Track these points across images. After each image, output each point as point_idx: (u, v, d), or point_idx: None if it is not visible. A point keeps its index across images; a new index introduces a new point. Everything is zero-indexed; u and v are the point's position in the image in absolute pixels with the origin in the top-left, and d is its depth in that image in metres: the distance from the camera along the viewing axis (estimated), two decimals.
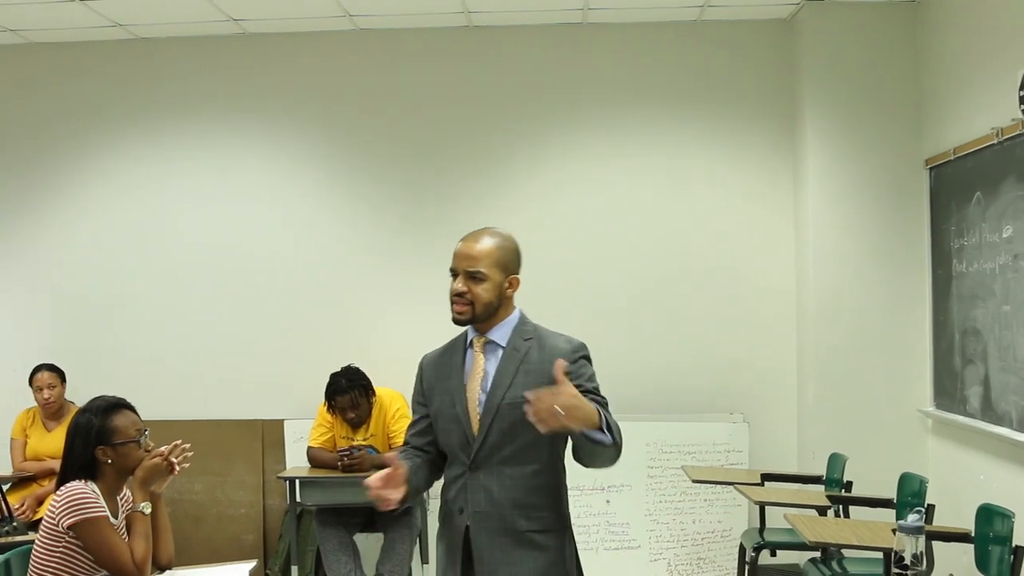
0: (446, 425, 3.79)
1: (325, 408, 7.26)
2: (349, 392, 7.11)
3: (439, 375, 3.87)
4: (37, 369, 7.55)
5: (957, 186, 6.67)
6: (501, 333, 3.76)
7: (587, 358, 3.70)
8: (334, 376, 7.21)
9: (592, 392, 3.59)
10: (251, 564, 4.54)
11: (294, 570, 7.30)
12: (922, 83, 7.30)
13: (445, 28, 8.01)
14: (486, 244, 3.73)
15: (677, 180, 7.96)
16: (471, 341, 3.82)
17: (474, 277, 3.69)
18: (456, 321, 3.77)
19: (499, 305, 3.73)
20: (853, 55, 7.42)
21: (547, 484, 3.70)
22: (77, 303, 8.22)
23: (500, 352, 3.74)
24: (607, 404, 3.58)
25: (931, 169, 7.10)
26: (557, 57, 8.02)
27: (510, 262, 3.75)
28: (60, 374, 7.56)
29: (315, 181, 8.18)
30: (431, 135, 8.09)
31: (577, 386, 3.45)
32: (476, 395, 3.72)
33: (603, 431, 3.42)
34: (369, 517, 7.22)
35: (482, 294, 3.69)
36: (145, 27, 7.92)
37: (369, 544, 7.43)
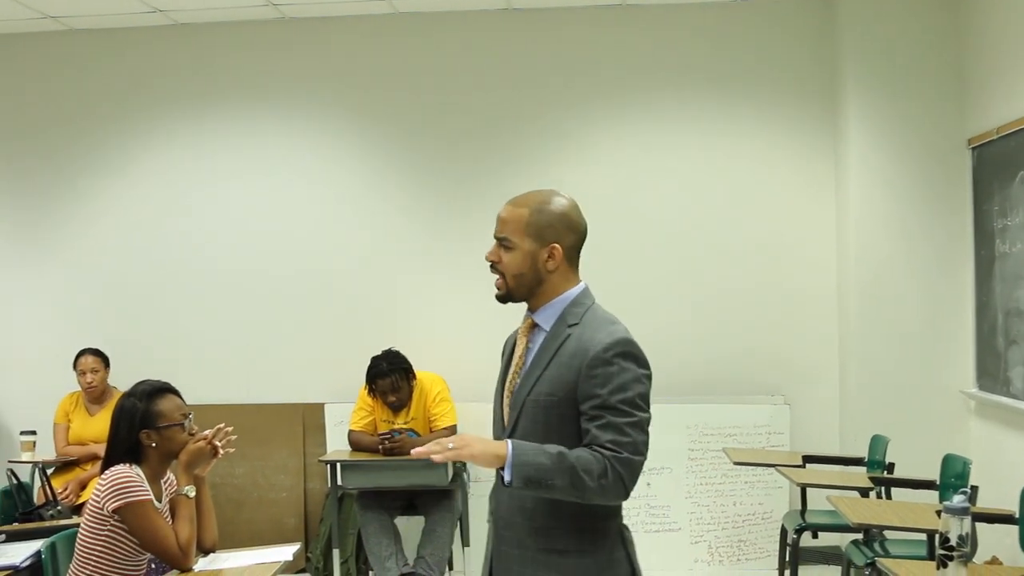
0: (493, 415, 3.41)
1: (366, 392, 7.27)
2: (390, 375, 7.13)
3: (504, 356, 3.44)
4: (81, 353, 7.59)
5: (1000, 166, 6.61)
6: (547, 315, 3.27)
7: (625, 357, 3.12)
8: (375, 359, 7.23)
9: (608, 409, 3.07)
10: (293, 547, 4.55)
11: (335, 553, 7.33)
12: (965, 61, 7.23)
13: (484, 11, 7.99)
14: (519, 207, 3.30)
15: (718, 161, 7.93)
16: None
17: (503, 244, 3.28)
18: (496, 297, 3.35)
19: (537, 280, 3.25)
20: (895, 33, 7.36)
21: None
22: (120, 288, 8.27)
23: (542, 337, 3.28)
24: (631, 425, 3.07)
25: (974, 148, 7.04)
26: (596, 39, 8.00)
27: (548, 229, 3.24)
28: (104, 359, 7.60)
29: (357, 164, 8.20)
30: (471, 119, 8.09)
31: (593, 396, 3.08)
32: (513, 385, 3.30)
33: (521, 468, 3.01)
34: (410, 500, 7.25)
35: (509, 265, 3.26)
36: (185, 12, 7.94)
37: (410, 527, 7.44)
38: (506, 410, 3.31)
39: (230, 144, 8.26)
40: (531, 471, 3.01)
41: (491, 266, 3.31)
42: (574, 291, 3.29)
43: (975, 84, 7.07)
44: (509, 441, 3.05)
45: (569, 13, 7.96)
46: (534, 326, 3.32)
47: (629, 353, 3.13)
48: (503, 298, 3.33)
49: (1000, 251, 6.61)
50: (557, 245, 3.24)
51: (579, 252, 3.34)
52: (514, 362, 3.33)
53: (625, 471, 3.04)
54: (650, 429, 3.13)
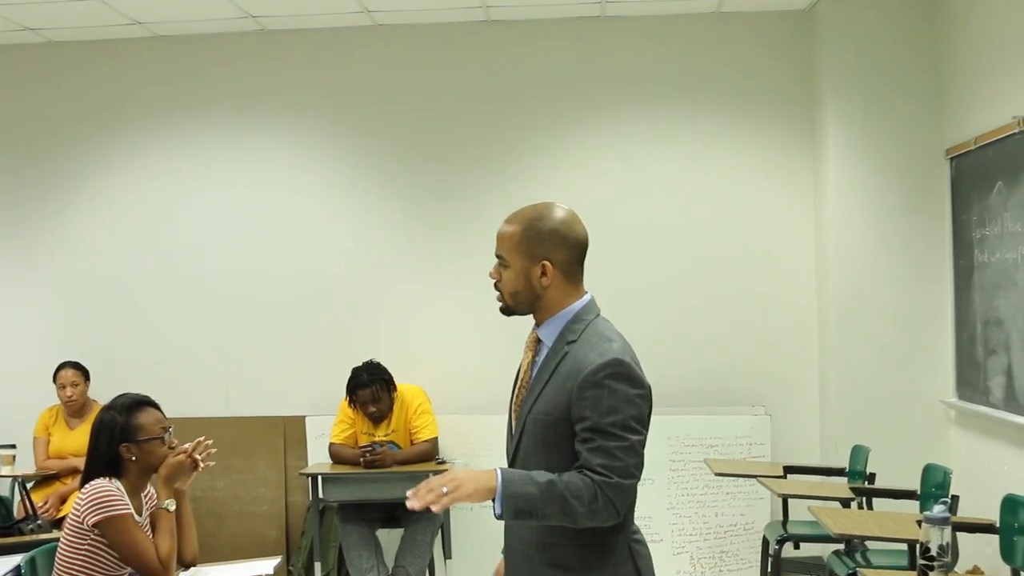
0: (507, 423, 3.37)
1: (346, 404, 7.28)
2: (370, 386, 7.14)
3: (519, 366, 3.39)
4: (61, 367, 7.58)
5: (978, 176, 6.63)
6: (549, 330, 3.24)
7: (616, 378, 3.05)
8: (355, 370, 7.24)
9: (599, 432, 3.02)
10: (274, 560, 4.55)
11: (317, 566, 7.31)
12: (942, 72, 7.26)
13: (463, 22, 8.00)
14: (512, 224, 3.27)
15: (697, 172, 7.95)
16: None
17: (500, 262, 3.27)
18: (500, 310, 3.34)
19: (534, 296, 3.22)
20: (873, 45, 7.39)
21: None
22: (100, 302, 8.25)
23: (544, 352, 3.25)
24: (623, 449, 3.02)
25: (952, 159, 7.06)
26: (576, 50, 8.01)
27: (537, 246, 3.20)
28: (84, 372, 7.59)
29: (336, 177, 8.19)
30: (450, 130, 8.09)
31: (584, 418, 3.04)
32: (520, 398, 3.29)
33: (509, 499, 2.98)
34: (391, 513, 7.24)
35: (506, 283, 3.26)
36: (164, 25, 7.93)
37: (391, 539, 7.44)
38: (514, 422, 3.29)
39: (211, 157, 8.24)
40: (520, 503, 2.98)
41: (494, 284, 3.30)
42: (576, 305, 3.25)
43: (953, 94, 7.11)
44: (499, 472, 3.00)
45: (550, 25, 7.97)
46: (539, 340, 3.29)
47: (620, 374, 3.06)
48: (505, 312, 3.32)
49: (979, 261, 6.63)
50: (547, 262, 3.20)
51: (580, 264, 3.28)
52: (521, 375, 3.33)
53: (615, 496, 3.00)
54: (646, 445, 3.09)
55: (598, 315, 3.27)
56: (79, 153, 8.28)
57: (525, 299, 3.25)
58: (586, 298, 3.28)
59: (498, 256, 3.27)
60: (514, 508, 2.98)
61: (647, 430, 3.10)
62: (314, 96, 8.18)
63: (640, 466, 3.07)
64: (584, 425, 3.05)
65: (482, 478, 2.99)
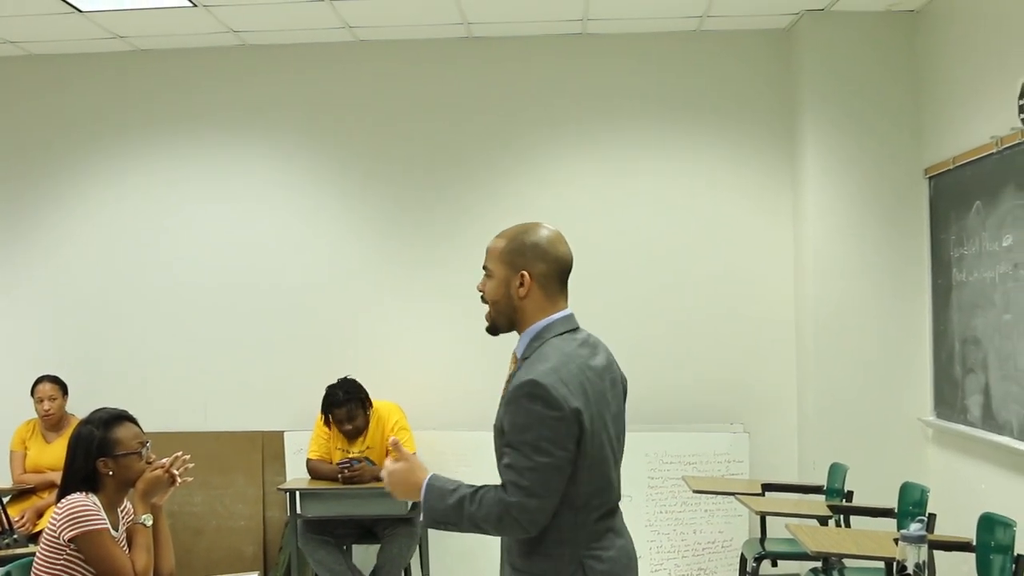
0: None
1: (322, 420, 7.27)
2: (346, 404, 7.13)
3: None
4: (39, 380, 7.55)
5: (957, 195, 6.67)
6: (521, 344, 3.37)
7: (531, 398, 3.13)
8: (331, 388, 7.23)
9: (510, 448, 3.15)
10: None
11: None
12: (921, 93, 7.30)
13: (445, 39, 8.01)
14: (499, 238, 3.40)
15: (677, 190, 7.97)
16: None
17: (485, 273, 3.40)
18: (486, 329, 3.47)
19: (511, 307, 3.35)
20: (852, 65, 7.42)
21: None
22: (78, 315, 8.22)
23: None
24: (530, 469, 3.11)
25: (930, 178, 7.10)
26: (557, 67, 8.03)
27: (519, 257, 3.33)
28: (62, 386, 7.56)
29: (315, 192, 8.19)
30: (431, 146, 8.10)
31: (502, 433, 3.21)
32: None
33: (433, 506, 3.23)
34: (367, 528, 7.23)
35: (488, 292, 3.38)
36: (145, 39, 7.93)
37: (367, 555, 7.43)
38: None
39: (190, 172, 8.23)
40: (436, 515, 3.22)
41: (481, 297, 3.42)
42: (544, 321, 3.34)
43: (931, 114, 7.14)
44: (425, 483, 3.24)
45: (531, 42, 7.99)
46: (515, 352, 3.41)
47: (534, 394, 3.13)
48: (489, 329, 3.44)
49: (957, 280, 6.66)
50: (525, 272, 3.31)
51: (559, 281, 3.38)
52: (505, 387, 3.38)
53: (521, 516, 3.11)
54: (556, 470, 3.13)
55: (567, 332, 3.35)
56: (57, 167, 8.25)
57: (504, 309, 3.36)
58: (558, 314, 3.36)
59: (484, 268, 3.40)
60: (431, 519, 3.24)
61: (568, 451, 3.14)
62: (295, 111, 8.17)
63: (549, 487, 3.13)
64: (503, 440, 3.20)
65: (412, 487, 3.28)
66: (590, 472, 3.20)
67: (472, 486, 3.20)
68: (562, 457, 3.12)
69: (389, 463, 3.32)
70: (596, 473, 3.23)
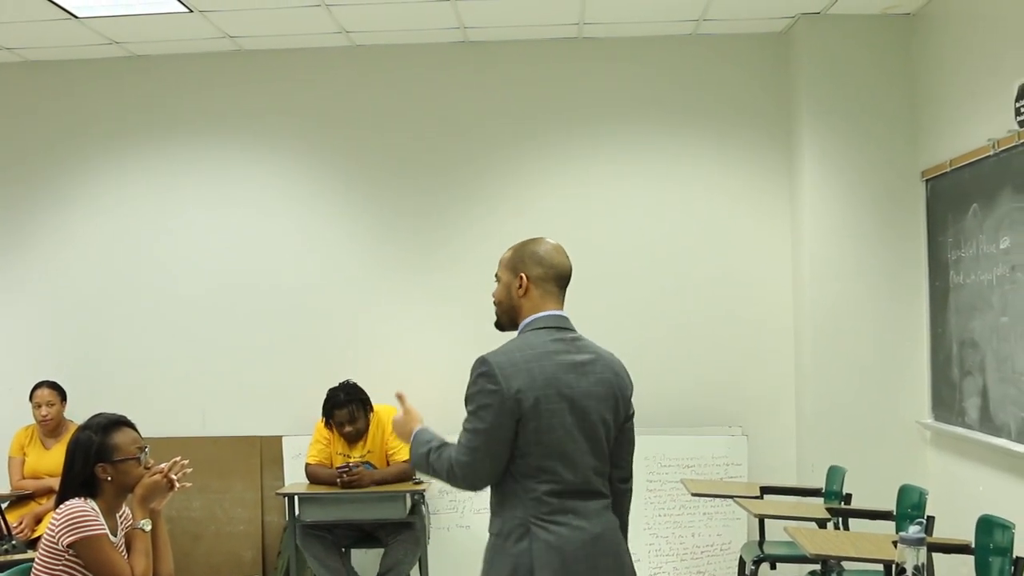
0: None
1: (323, 424, 7.26)
2: (347, 406, 7.13)
3: None
4: (37, 386, 7.56)
5: (954, 198, 6.67)
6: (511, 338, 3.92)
7: (474, 371, 3.75)
8: (332, 391, 7.23)
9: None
10: None
11: None
12: (918, 95, 7.31)
13: (441, 43, 8.01)
14: (508, 250, 3.97)
15: (673, 194, 7.97)
16: None
17: (496, 280, 3.97)
18: (495, 324, 4.02)
19: (512, 305, 3.90)
20: (849, 68, 7.43)
21: (496, 492, 3.80)
22: (77, 319, 8.21)
23: None
24: (467, 431, 3.71)
25: (927, 181, 7.10)
26: (553, 71, 8.03)
27: (519, 261, 3.89)
28: (60, 392, 7.56)
29: (313, 196, 8.18)
30: (428, 150, 8.10)
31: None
32: None
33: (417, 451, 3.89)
34: (367, 532, 7.23)
35: (496, 294, 3.95)
36: (141, 44, 7.93)
37: (368, 559, 7.44)
38: None
39: (187, 177, 8.22)
40: (416, 460, 3.91)
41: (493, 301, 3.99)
42: (530, 318, 3.86)
43: (928, 118, 7.15)
44: (415, 432, 3.93)
45: (526, 46, 7.99)
46: None
47: (479, 370, 3.73)
48: (497, 325, 4.00)
49: (954, 282, 6.66)
50: (524, 275, 3.84)
51: (555, 285, 3.89)
52: None
53: (459, 472, 3.73)
54: (484, 441, 3.67)
55: (550, 328, 3.84)
56: (56, 172, 8.25)
57: (506, 308, 3.92)
58: (545, 313, 3.86)
59: (496, 276, 3.96)
60: (413, 462, 3.95)
61: (503, 424, 3.66)
62: (292, 115, 8.17)
63: (481, 450, 3.69)
64: None
65: (405, 435, 3.98)
66: (537, 447, 3.67)
67: (443, 442, 3.83)
68: (495, 426, 3.66)
69: (396, 413, 4.04)
70: (545, 451, 3.68)
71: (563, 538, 3.66)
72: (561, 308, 3.88)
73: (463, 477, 3.73)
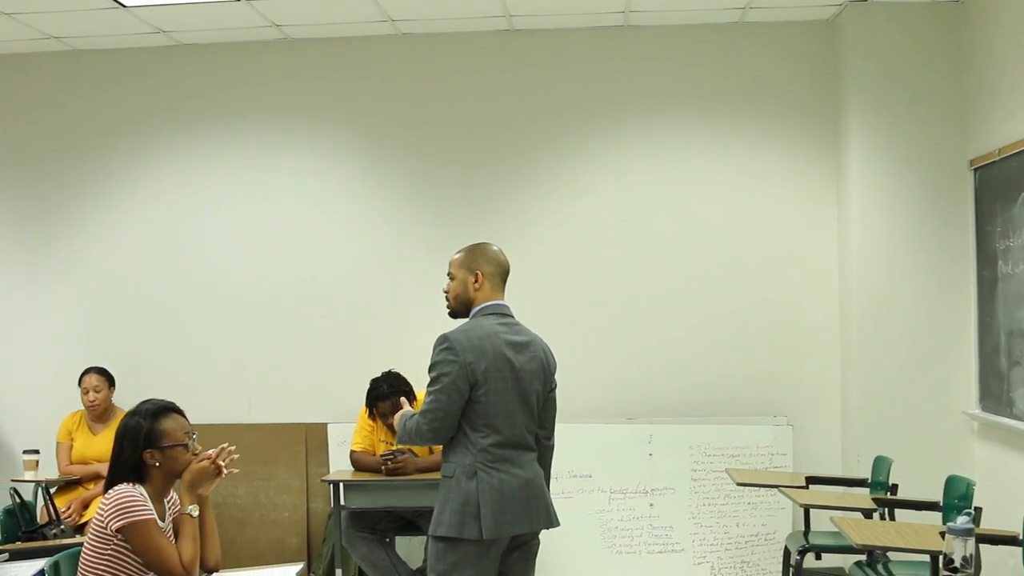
0: None
1: (366, 413, 7.27)
2: (390, 398, 7.12)
3: None
4: (85, 372, 7.63)
5: (1002, 187, 6.62)
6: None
7: (440, 346, 4.77)
8: (375, 381, 7.21)
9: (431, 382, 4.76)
10: (296, 567, 4.57)
11: (338, 573, 7.31)
12: (966, 83, 7.25)
13: (486, 32, 8.01)
14: (459, 252, 5.00)
15: (720, 181, 7.94)
16: None
17: (449, 277, 4.99)
18: (448, 313, 5.06)
19: (468, 297, 4.92)
20: (896, 55, 7.38)
21: (450, 443, 4.78)
22: (125, 308, 8.29)
23: None
24: (429, 394, 4.72)
25: (975, 170, 7.05)
26: (599, 60, 8.02)
27: (473, 261, 4.93)
28: (108, 378, 7.63)
29: (358, 186, 8.21)
30: (473, 139, 8.10)
31: None
32: None
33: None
34: (407, 521, 7.23)
35: (452, 289, 4.98)
36: (188, 33, 7.97)
37: (411, 546, 7.46)
38: None
39: (234, 165, 8.28)
40: (398, 432, 4.94)
41: (445, 295, 5.01)
42: (480, 306, 4.89)
43: (977, 105, 7.09)
44: (405, 407, 5.06)
45: (573, 34, 7.98)
46: None
47: (442, 344, 4.76)
48: (451, 314, 5.02)
49: (1003, 272, 6.61)
50: (479, 271, 4.90)
51: (501, 280, 4.97)
52: None
53: (423, 426, 4.71)
54: (443, 410, 4.68)
55: (496, 314, 4.87)
56: (102, 162, 8.32)
57: (463, 300, 4.93)
58: (492, 302, 4.90)
59: (448, 274, 4.97)
60: (397, 437, 5.04)
61: (458, 388, 4.68)
62: (337, 104, 8.20)
63: (440, 408, 4.68)
64: None
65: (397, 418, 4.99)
66: (485, 408, 4.67)
67: (413, 412, 4.84)
68: (451, 389, 4.66)
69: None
70: (492, 411, 4.68)
71: (502, 481, 4.67)
72: (503, 298, 4.94)
73: (429, 430, 4.69)
